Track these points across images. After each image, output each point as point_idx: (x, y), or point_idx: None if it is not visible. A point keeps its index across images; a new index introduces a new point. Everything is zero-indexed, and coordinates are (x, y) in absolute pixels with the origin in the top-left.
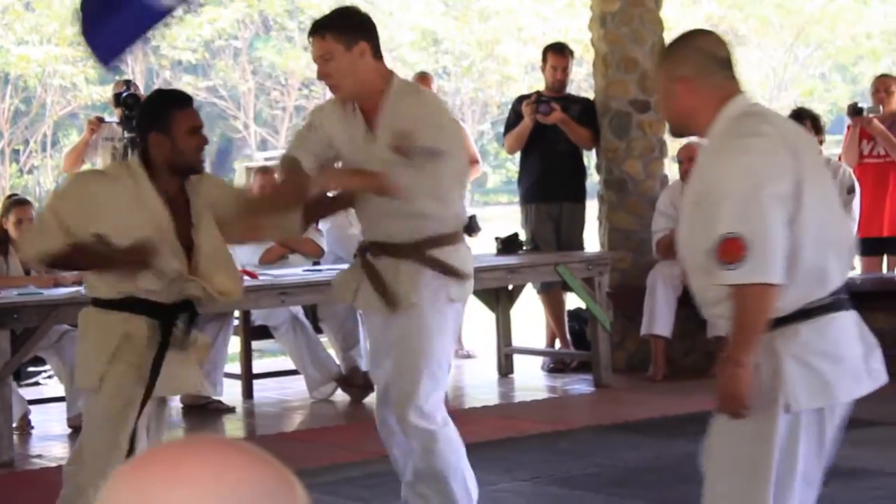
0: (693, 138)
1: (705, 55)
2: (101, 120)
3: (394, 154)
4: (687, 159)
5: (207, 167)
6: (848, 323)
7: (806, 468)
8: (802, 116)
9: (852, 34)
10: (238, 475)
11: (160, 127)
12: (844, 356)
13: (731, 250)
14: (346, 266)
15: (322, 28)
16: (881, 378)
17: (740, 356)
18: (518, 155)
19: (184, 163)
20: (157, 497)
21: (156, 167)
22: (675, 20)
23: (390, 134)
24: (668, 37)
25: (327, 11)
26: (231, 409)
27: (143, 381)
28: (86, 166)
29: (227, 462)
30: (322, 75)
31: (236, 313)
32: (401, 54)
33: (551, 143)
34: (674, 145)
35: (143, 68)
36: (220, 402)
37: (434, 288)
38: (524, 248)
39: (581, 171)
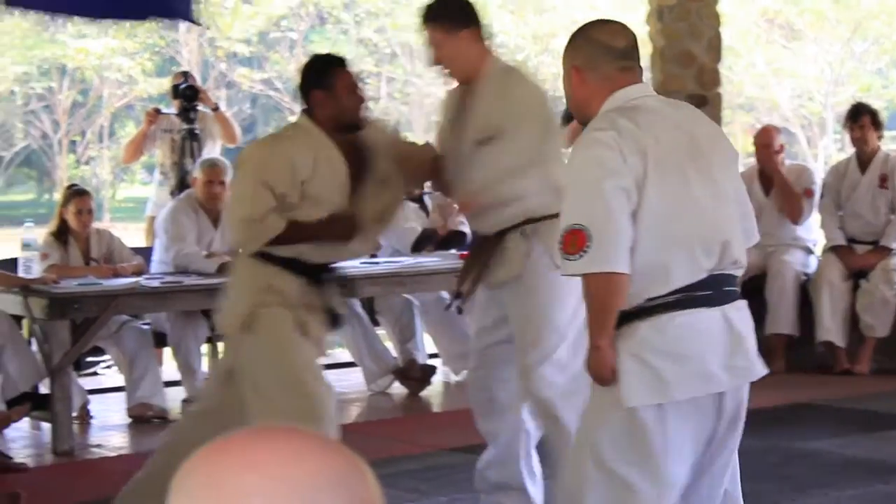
0: (769, 121)
1: (598, 46)
2: (158, 111)
3: (475, 143)
4: (763, 145)
5: None
6: (698, 321)
7: (672, 459)
8: (861, 112)
9: None
10: (310, 463)
11: (323, 85)
12: (687, 355)
13: (573, 241)
14: (403, 259)
15: (428, 17)
16: (750, 374)
17: (595, 340)
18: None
19: (347, 119)
20: (228, 483)
21: (321, 126)
22: (733, 14)
23: (477, 118)
24: (725, 32)
25: (380, 3)
26: None
27: (301, 332)
28: (144, 158)
29: (299, 449)
30: (434, 62)
31: None
32: None
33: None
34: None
35: (199, 60)
36: None
37: (543, 261)
38: None
39: None
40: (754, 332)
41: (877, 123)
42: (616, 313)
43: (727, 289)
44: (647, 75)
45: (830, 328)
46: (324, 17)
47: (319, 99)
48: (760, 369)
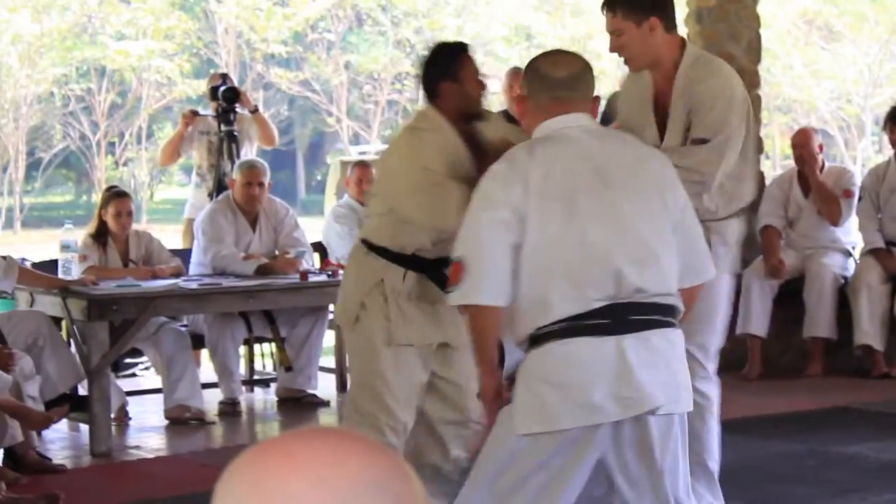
0: (807, 123)
1: (538, 76)
2: (195, 113)
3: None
4: (800, 145)
5: (299, 160)
6: (581, 350)
7: (560, 488)
8: None
9: None
10: (353, 466)
11: (452, 75)
12: (567, 384)
13: (454, 273)
14: None
15: (613, 5)
16: (639, 406)
17: (481, 367)
18: None
19: (472, 109)
20: (272, 488)
21: (446, 116)
22: (772, 15)
23: (682, 104)
24: (764, 33)
25: (418, 4)
26: (325, 403)
27: (408, 326)
28: (181, 160)
29: (342, 453)
30: (614, 48)
31: (331, 307)
32: (493, 49)
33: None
34: (769, 142)
35: (237, 61)
36: (314, 395)
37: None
38: None
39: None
40: (671, 362)
41: None
42: (493, 342)
43: (632, 317)
44: None
45: (869, 331)
46: (361, 18)
47: (448, 89)
48: (655, 401)
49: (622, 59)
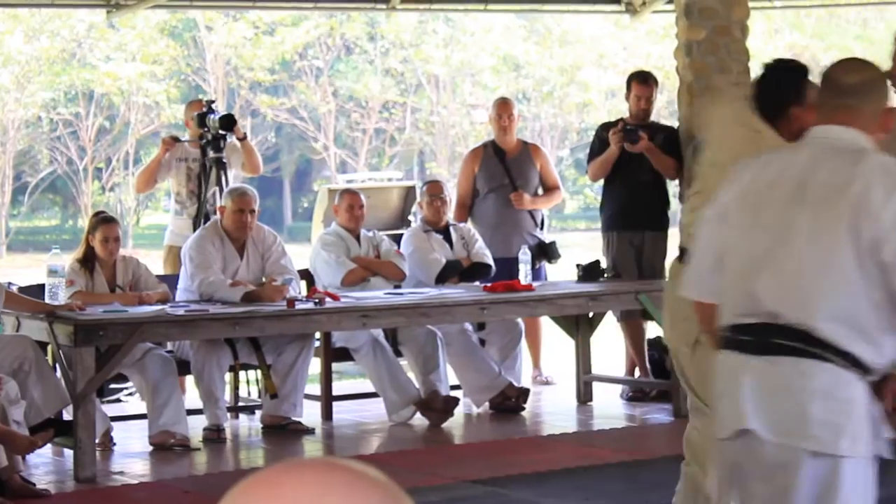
0: None
1: (824, 81)
2: (175, 139)
3: None
4: None
5: (286, 187)
6: (720, 363)
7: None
8: None
9: None
10: (335, 497)
11: (800, 100)
12: (717, 396)
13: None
14: (427, 290)
15: None
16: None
17: None
18: (598, 182)
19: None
20: None
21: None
22: (759, 49)
23: None
24: (753, 66)
25: (406, 34)
26: (310, 431)
27: None
28: (160, 185)
29: (327, 485)
30: None
31: (317, 335)
32: (480, 79)
33: (635, 171)
34: None
35: (224, 88)
36: (299, 423)
37: None
38: (605, 275)
39: (664, 201)
40: (798, 393)
41: None
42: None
43: (770, 341)
44: (670, 108)
45: None
46: (349, 46)
47: (797, 115)
48: (748, 423)
49: None
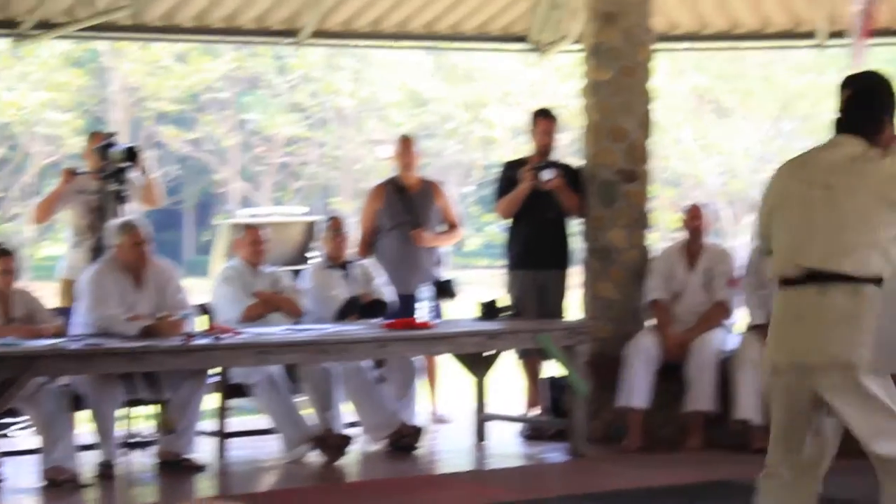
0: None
1: None
2: (74, 172)
3: None
4: (690, 221)
5: (188, 219)
6: None
7: None
8: None
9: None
10: None
11: (893, 113)
12: None
13: None
14: (326, 327)
15: None
16: None
17: None
18: (500, 218)
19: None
20: None
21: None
22: (663, 90)
23: None
24: (656, 107)
25: (315, 69)
26: (202, 468)
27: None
28: (57, 217)
29: None
30: None
31: (211, 371)
32: (386, 114)
33: (541, 209)
34: (657, 215)
35: (128, 119)
36: (192, 459)
37: None
38: (505, 313)
39: (567, 239)
40: None
41: None
42: None
43: None
44: (579, 148)
45: (748, 406)
46: (256, 80)
47: (890, 128)
48: None
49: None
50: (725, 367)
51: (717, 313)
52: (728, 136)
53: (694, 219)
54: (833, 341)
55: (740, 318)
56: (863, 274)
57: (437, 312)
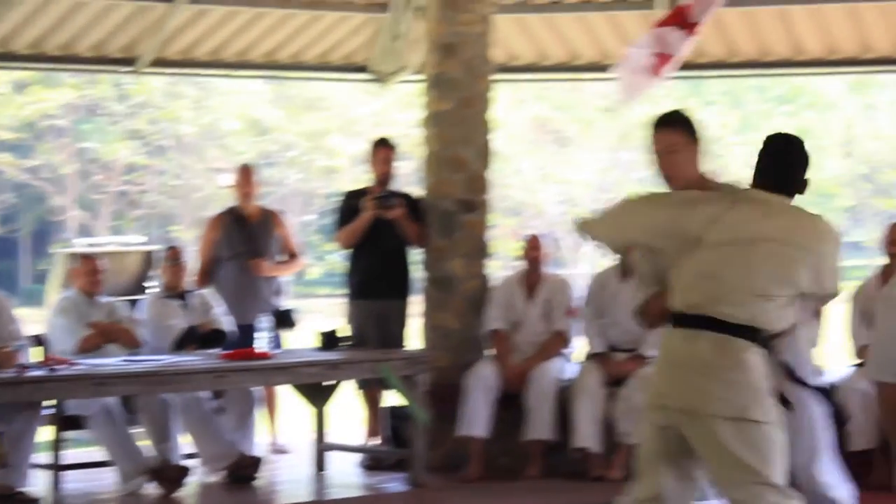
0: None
1: None
2: None
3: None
4: (530, 251)
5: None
6: None
7: None
8: None
9: None
10: None
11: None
12: None
13: None
14: (164, 357)
15: (675, 123)
16: None
17: None
18: (341, 248)
19: None
20: None
21: None
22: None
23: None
24: (497, 137)
25: (162, 96)
26: (36, 501)
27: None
28: None
29: None
30: (662, 166)
31: (45, 403)
32: (226, 143)
33: (382, 239)
34: (497, 244)
35: None
36: (26, 493)
37: None
38: (345, 343)
39: (408, 269)
40: None
41: None
42: None
43: None
44: (419, 178)
45: (587, 434)
46: (95, 108)
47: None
48: None
49: (664, 177)
50: (564, 396)
51: (556, 343)
52: (568, 165)
53: (533, 249)
54: (696, 389)
55: (578, 347)
56: (740, 322)
57: (276, 342)
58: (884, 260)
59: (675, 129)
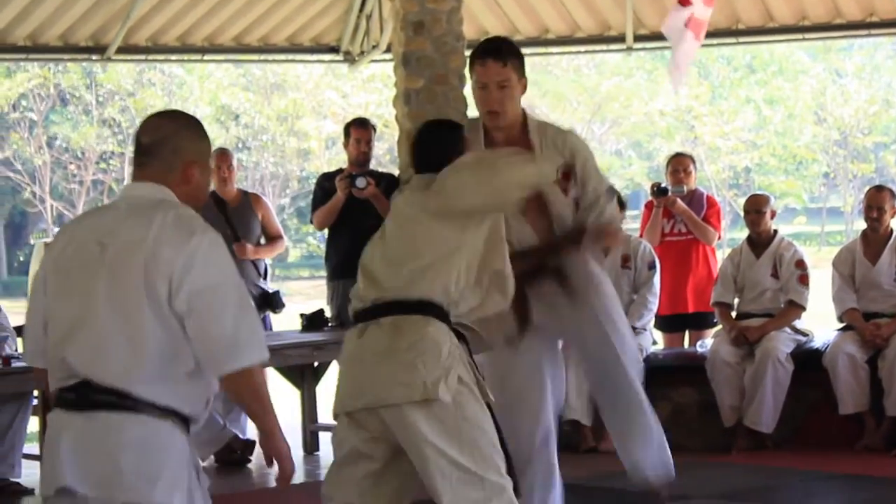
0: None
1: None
2: None
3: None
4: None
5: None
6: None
7: None
8: None
9: (646, 111)
10: None
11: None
12: None
13: None
14: None
15: (504, 54)
16: None
17: None
18: (324, 230)
19: None
20: None
21: None
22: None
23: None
24: (470, 113)
25: (125, 83)
26: (30, 491)
27: None
28: None
29: None
30: (495, 100)
31: (35, 393)
32: None
33: (359, 218)
34: None
35: None
36: (18, 483)
37: None
38: (329, 324)
39: None
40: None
41: (621, 204)
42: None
43: (89, 397)
44: (390, 155)
45: (577, 407)
46: (65, 97)
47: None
48: None
49: (487, 111)
50: None
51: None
52: None
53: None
54: (373, 382)
55: None
56: (416, 298)
57: (265, 325)
58: (862, 225)
59: (507, 61)
